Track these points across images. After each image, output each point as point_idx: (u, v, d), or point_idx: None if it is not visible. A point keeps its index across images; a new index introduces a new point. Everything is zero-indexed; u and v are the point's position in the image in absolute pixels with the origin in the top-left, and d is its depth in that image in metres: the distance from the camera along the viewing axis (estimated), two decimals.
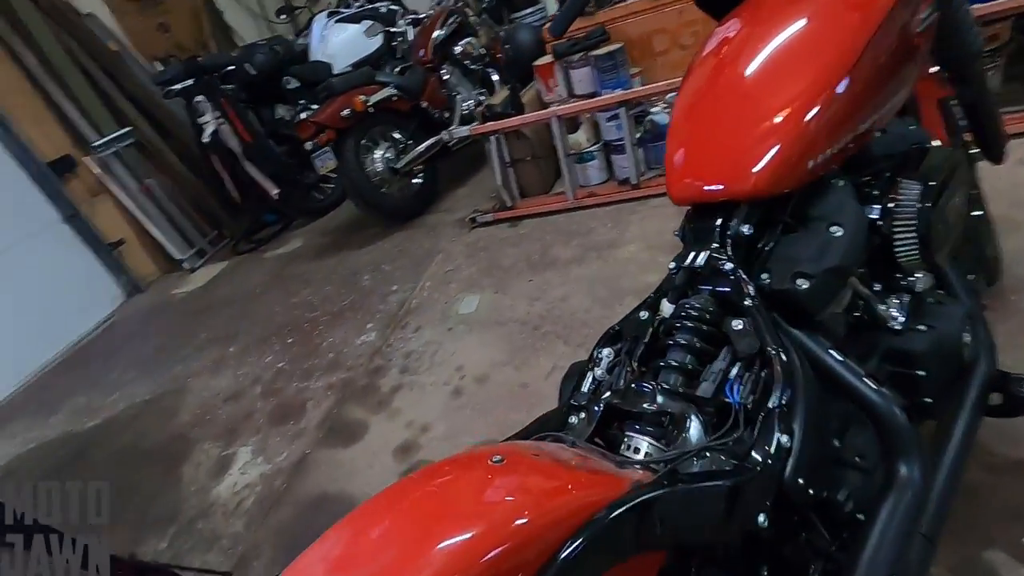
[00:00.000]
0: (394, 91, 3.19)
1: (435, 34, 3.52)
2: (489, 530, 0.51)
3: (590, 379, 0.87)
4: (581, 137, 2.78)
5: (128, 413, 2.60)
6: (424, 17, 3.70)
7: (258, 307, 3.11)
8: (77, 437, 2.58)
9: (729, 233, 0.81)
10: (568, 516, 0.54)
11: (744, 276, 0.78)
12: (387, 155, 3.22)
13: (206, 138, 3.38)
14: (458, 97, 3.56)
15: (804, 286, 0.77)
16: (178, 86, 3.28)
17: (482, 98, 3.54)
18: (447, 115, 3.49)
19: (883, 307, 0.89)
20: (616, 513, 0.55)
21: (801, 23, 0.85)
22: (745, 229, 0.80)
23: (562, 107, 2.59)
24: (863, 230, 0.83)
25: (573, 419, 0.83)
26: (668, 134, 0.93)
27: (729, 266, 0.79)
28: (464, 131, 2.89)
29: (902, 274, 0.90)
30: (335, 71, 3.91)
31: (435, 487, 0.60)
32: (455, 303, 2.42)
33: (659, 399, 0.74)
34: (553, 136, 2.68)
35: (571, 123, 2.75)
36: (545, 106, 2.90)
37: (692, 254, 0.86)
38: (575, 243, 2.52)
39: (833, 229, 0.81)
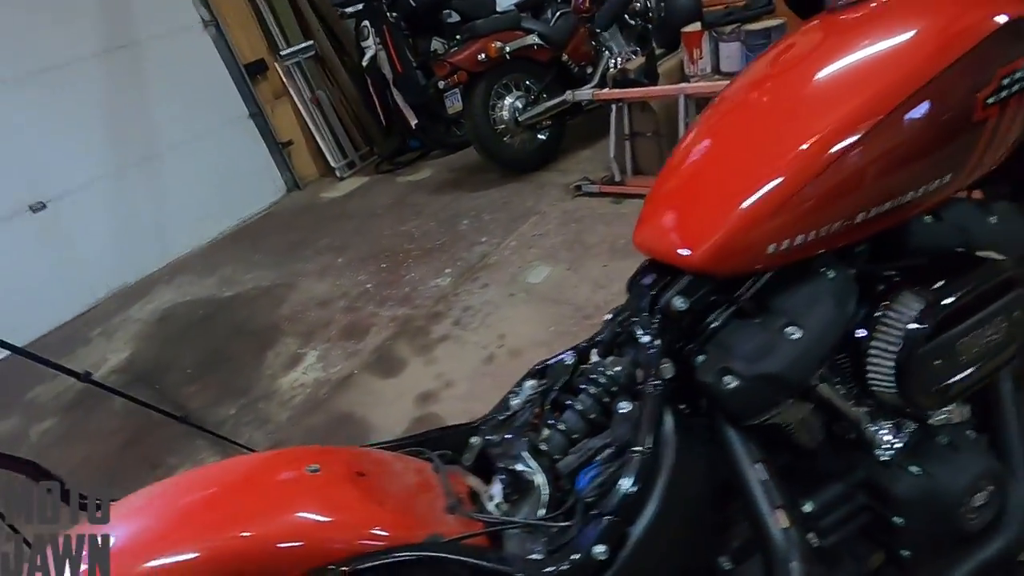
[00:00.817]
0: (536, 40, 3.11)
1: None
2: (211, 538, 0.55)
3: (504, 407, 0.86)
4: None
5: (252, 293, 3.09)
6: None
7: (372, 226, 3.40)
8: (214, 302, 3.14)
9: (661, 303, 0.71)
10: (304, 555, 0.56)
11: (656, 355, 0.69)
12: (516, 104, 3.20)
13: (364, 62, 3.64)
14: (606, 53, 3.35)
15: (730, 385, 0.66)
16: (350, 8, 3.53)
17: (633, 56, 3.30)
18: (590, 70, 3.33)
19: (873, 428, 0.73)
20: (354, 567, 0.56)
21: (827, 67, 0.67)
22: (678, 302, 0.69)
23: (693, 84, 2.32)
24: (829, 338, 0.67)
25: (473, 440, 0.83)
26: (663, 168, 0.82)
27: (646, 339, 0.70)
28: (586, 94, 2.75)
29: None
30: (499, 8, 3.91)
31: (233, 476, 0.65)
32: (527, 270, 2.43)
33: (522, 456, 0.71)
34: (679, 114, 2.44)
35: (703, 103, 2.47)
36: (685, 79, 2.63)
37: (621, 312, 0.78)
38: None
39: (789, 330, 0.67)
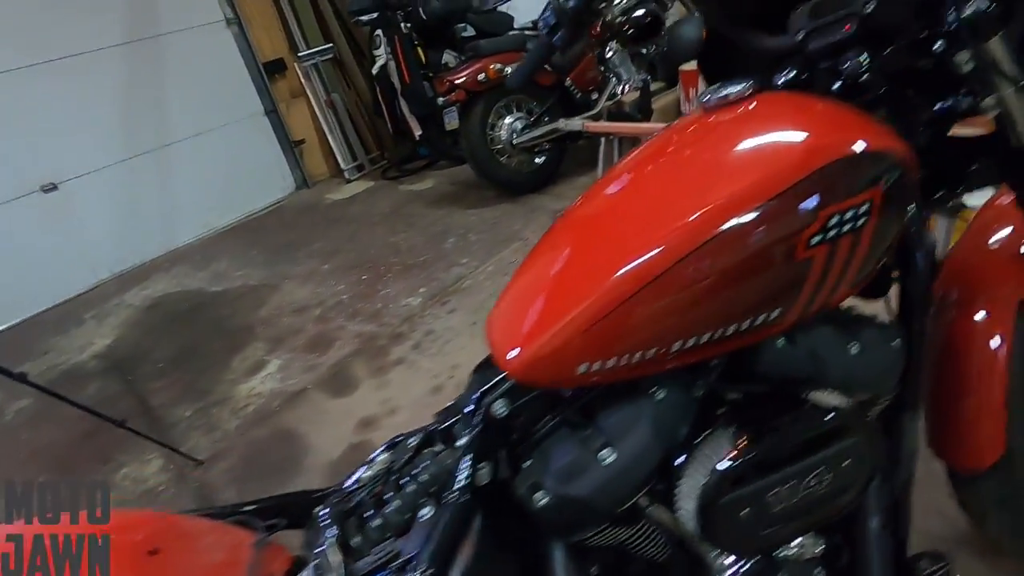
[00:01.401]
0: None
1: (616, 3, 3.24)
2: None
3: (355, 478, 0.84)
4: None
5: (238, 291, 3.14)
6: None
7: (365, 235, 3.42)
8: (201, 296, 3.20)
9: (483, 403, 0.67)
10: None
11: (467, 462, 0.65)
12: (515, 125, 3.18)
13: (375, 70, 3.67)
14: (613, 80, 3.30)
15: (540, 502, 0.63)
16: (365, 17, 3.56)
17: (643, 84, 3.24)
18: (595, 96, 3.29)
19: (714, 553, 0.69)
20: None
21: (665, 180, 0.63)
22: (499, 407, 0.66)
23: None
24: (646, 465, 0.63)
25: (317, 511, 0.81)
26: (527, 256, 0.78)
27: (463, 440, 0.67)
28: (576, 125, 2.71)
29: None
30: (516, 25, 3.90)
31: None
32: (495, 299, 2.39)
33: (325, 552, 0.69)
34: None
35: None
36: (679, 116, 2.56)
37: (449, 406, 0.76)
38: None
39: (603, 452, 0.63)
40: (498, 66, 2.93)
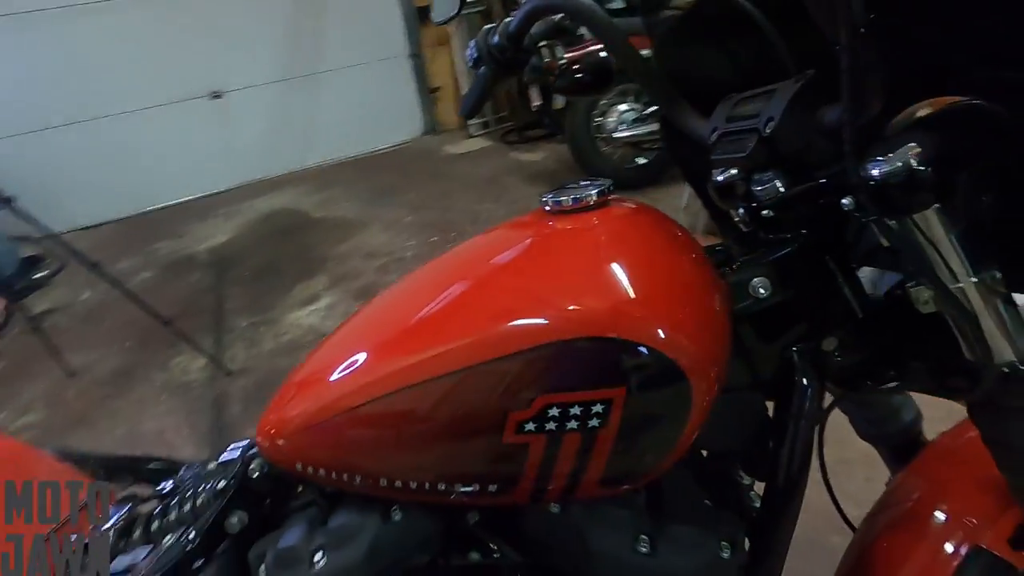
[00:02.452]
0: None
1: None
2: None
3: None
4: None
5: (333, 222, 3.40)
6: None
7: (455, 196, 3.48)
8: (305, 218, 3.53)
9: (244, 457, 0.66)
10: None
11: (215, 508, 0.65)
12: (626, 116, 2.96)
13: None
14: None
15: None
16: None
17: None
18: None
19: None
20: None
21: (439, 294, 0.53)
22: (254, 467, 0.64)
23: None
24: None
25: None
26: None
27: (220, 485, 0.67)
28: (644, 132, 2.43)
29: None
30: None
31: None
32: None
33: (102, 526, 0.74)
34: None
35: None
36: None
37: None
38: None
39: (317, 555, 0.59)
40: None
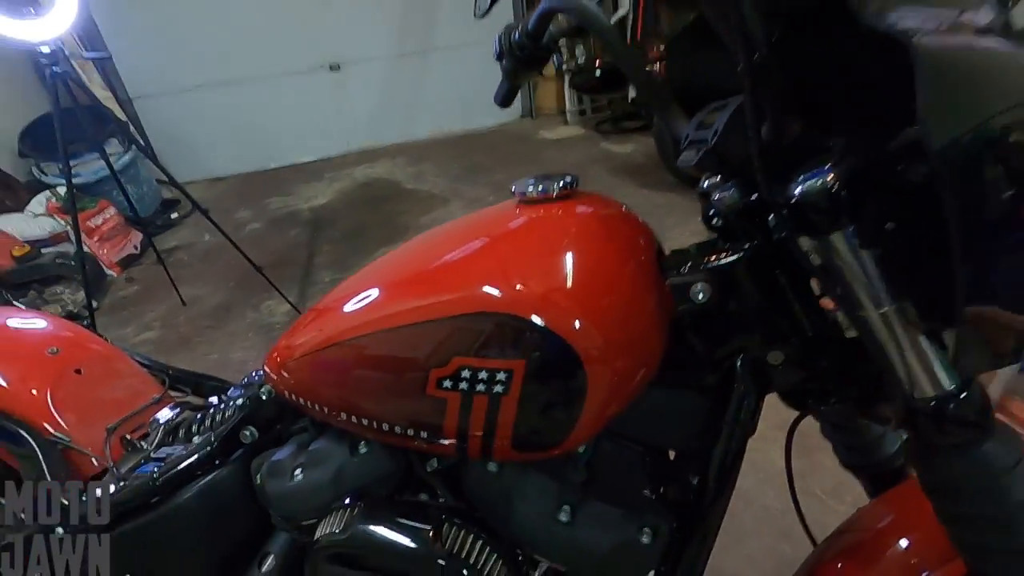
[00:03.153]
0: None
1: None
2: None
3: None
4: None
5: (422, 195, 3.60)
6: None
7: None
8: (398, 189, 3.77)
9: (257, 382, 0.79)
10: None
11: (232, 422, 0.79)
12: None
13: (613, 19, 3.55)
14: None
15: (255, 480, 0.75)
16: None
17: None
18: None
19: None
20: None
21: (423, 259, 0.61)
22: (264, 391, 0.76)
23: None
24: (314, 500, 0.69)
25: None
26: None
27: (239, 402, 0.80)
28: None
29: None
30: None
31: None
32: None
33: (161, 420, 0.90)
34: None
35: None
36: None
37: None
38: None
39: (297, 471, 0.71)
40: None
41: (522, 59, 0.74)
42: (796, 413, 0.65)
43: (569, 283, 0.50)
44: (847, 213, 0.42)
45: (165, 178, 2.58)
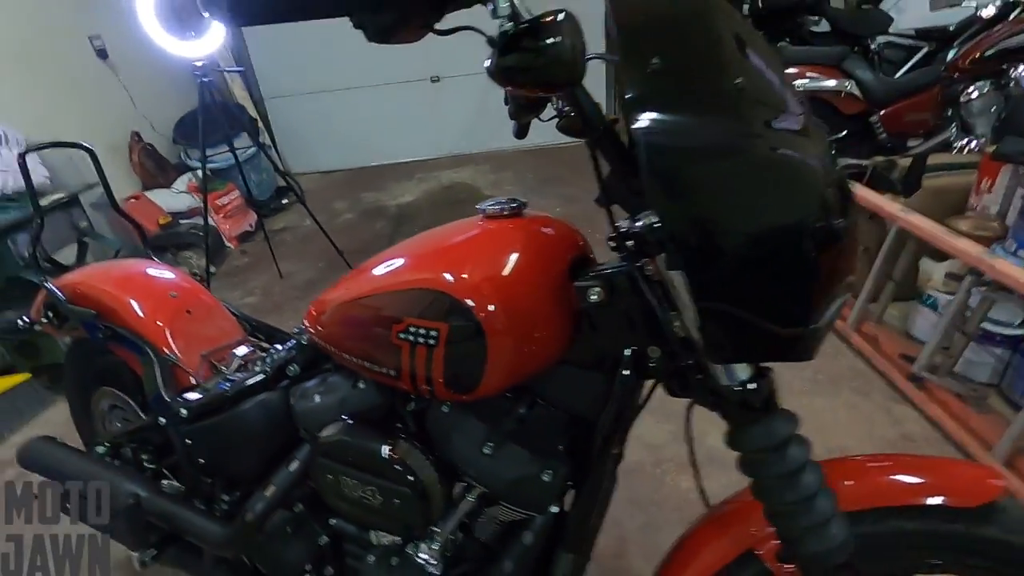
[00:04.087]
0: (848, 88, 2.64)
1: (1010, 40, 2.44)
2: None
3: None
4: (940, 272, 1.90)
5: None
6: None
7: None
8: (475, 193, 4.08)
9: (302, 331, 1.06)
10: None
11: (281, 359, 1.07)
12: None
13: None
14: (953, 128, 2.59)
15: (292, 404, 1.04)
16: None
17: (922, 154, 2.53)
18: (915, 143, 2.67)
19: None
20: None
21: (407, 251, 0.85)
22: (304, 338, 1.04)
23: (909, 217, 1.80)
24: (323, 418, 0.94)
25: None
26: None
27: (288, 344, 1.09)
28: None
29: None
30: (896, 28, 3.28)
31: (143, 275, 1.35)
32: None
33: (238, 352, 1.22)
34: (884, 244, 1.94)
35: (924, 248, 1.87)
36: (961, 208, 1.98)
37: None
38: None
39: (317, 396, 0.98)
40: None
41: (522, 105, 0.95)
42: None
43: (487, 276, 0.71)
44: (656, 245, 0.61)
45: (284, 167, 3.03)
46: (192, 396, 1.13)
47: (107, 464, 1.26)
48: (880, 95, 2.62)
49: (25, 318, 1.35)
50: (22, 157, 1.30)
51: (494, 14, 0.56)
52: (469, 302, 0.70)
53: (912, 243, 1.89)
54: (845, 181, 0.62)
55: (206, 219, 2.82)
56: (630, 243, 0.66)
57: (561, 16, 0.54)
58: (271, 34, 4.34)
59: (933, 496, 0.68)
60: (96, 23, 3.37)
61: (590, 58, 0.56)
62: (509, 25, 0.56)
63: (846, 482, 0.70)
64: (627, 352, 0.75)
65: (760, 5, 3.23)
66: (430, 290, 0.72)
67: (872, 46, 3.28)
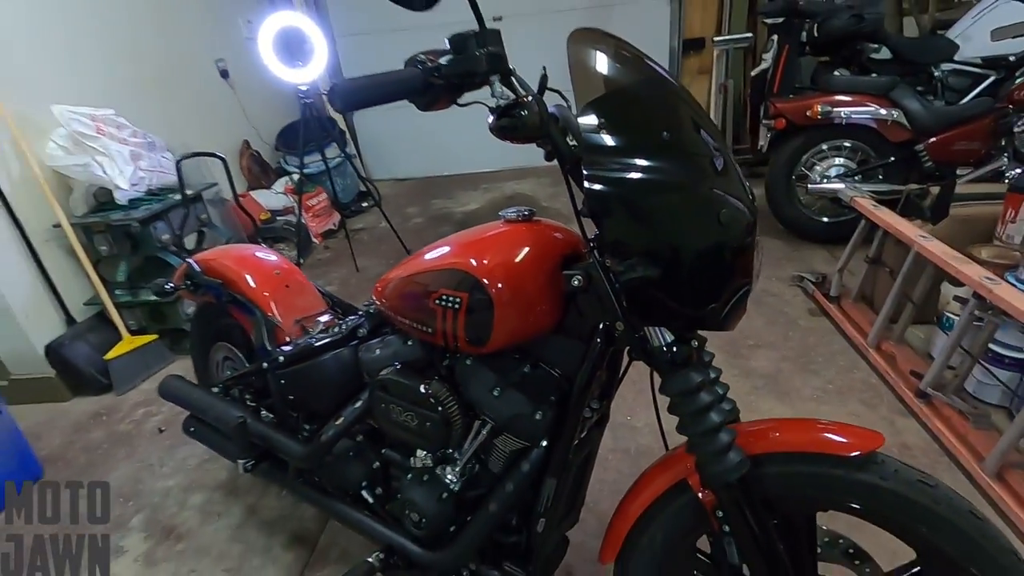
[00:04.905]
0: (896, 117, 2.72)
1: None
2: None
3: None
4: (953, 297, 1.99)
5: (552, 211, 4.17)
6: None
7: None
8: (535, 203, 4.37)
9: (372, 303, 1.39)
10: None
11: (358, 324, 1.41)
12: (834, 169, 2.96)
13: (754, 72, 3.77)
14: (1005, 158, 2.61)
15: (359, 357, 1.37)
16: (770, 20, 3.63)
17: (948, 182, 2.56)
18: (965, 172, 2.70)
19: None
20: None
21: (452, 242, 1.15)
22: (371, 307, 1.38)
23: (930, 244, 1.92)
24: (377, 366, 1.26)
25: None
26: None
27: (360, 312, 1.43)
28: (837, 189, 2.44)
29: None
30: (962, 56, 3.30)
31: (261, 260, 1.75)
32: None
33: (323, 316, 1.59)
34: (904, 267, 2.05)
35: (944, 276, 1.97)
36: (990, 237, 2.06)
37: None
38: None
39: (375, 351, 1.31)
40: (825, 108, 2.76)
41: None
42: None
43: (498, 263, 1.00)
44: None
45: (365, 174, 3.42)
46: (287, 348, 1.49)
47: (221, 397, 1.65)
48: (927, 124, 2.68)
49: (170, 284, 1.77)
50: (178, 164, 1.73)
51: (492, 95, 0.85)
52: (484, 280, 0.99)
53: (931, 268, 2.00)
54: (753, 205, 0.85)
55: (300, 217, 3.29)
56: (593, 245, 0.92)
57: (530, 98, 0.82)
58: (360, 58, 4.88)
59: (824, 447, 0.88)
60: (220, 48, 3.99)
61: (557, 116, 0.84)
62: (501, 101, 0.84)
63: (765, 433, 0.93)
64: (600, 326, 1.01)
65: (816, 34, 3.33)
66: (458, 270, 1.02)
67: (936, 73, 3.29)
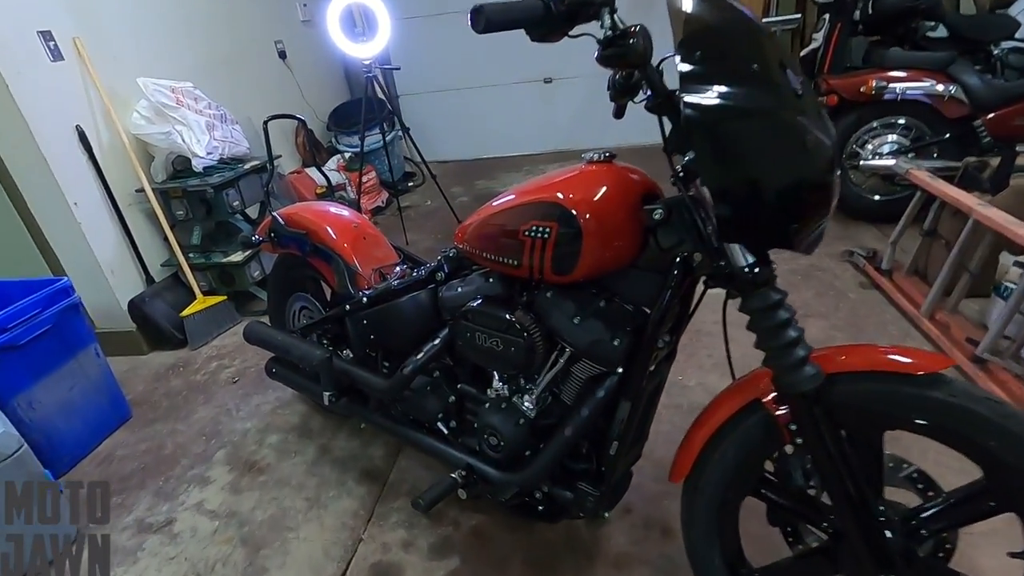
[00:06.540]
0: (954, 93, 2.69)
1: None
2: None
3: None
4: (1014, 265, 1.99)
5: None
6: None
7: None
8: None
9: (452, 248, 1.50)
10: None
11: (438, 267, 1.52)
12: (887, 147, 2.94)
13: (803, 52, 3.74)
14: None
15: (439, 294, 1.48)
16: (823, 0, 3.60)
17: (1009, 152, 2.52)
18: (1021, 148, 2.66)
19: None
20: None
21: (538, 183, 1.23)
22: (451, 252, 1.48)
23: (987, 211, 1.93)
24: (460, 302, 1.36)
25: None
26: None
27: (441, 258, 1.54)
28: (890, 165, 2.43)
29: None
30: (1022, 34, 3.24)
31: (341, 216, 1.87)
32: None
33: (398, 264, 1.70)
34: (962, 234, 2.06)
35: (1003, 243, 1.97)
36: None
37: None
38: None
39: (459, 288, 1.41)
40: (881, 83, 2.75)
41: (619, 89, 1.30)
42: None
43: (585, 197, 1.08)
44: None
45: (410, 155, 3.53)
46: (368, 291, 1.61)
47: (303, 339, 1.78)
48: (986, 100, 2.65)
49: (256, 236, 1.91)
50: (265, 124, 1.86)
51: (601, 27, 0.93)
52: (573, 211, 1.07)
53: (990, 237, 2.00)
54: (835, 139, 0.92)
55: (359, 192, 3.44)
56: (681, 174, 1.00)
57: (637, 27, 0.90)
58: (408, 42, 5.00)
59: (894, 366, 0.95)
60: (279, 30, 4.16)
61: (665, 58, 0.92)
62: (609, 32, 0.92)
63: (836, 355, 0.99)
64: (678, 259, 1.08)
65: (871, 11, 3.30)
66: (548, 202, 1.11)
67: (995, 51, 3.23)
